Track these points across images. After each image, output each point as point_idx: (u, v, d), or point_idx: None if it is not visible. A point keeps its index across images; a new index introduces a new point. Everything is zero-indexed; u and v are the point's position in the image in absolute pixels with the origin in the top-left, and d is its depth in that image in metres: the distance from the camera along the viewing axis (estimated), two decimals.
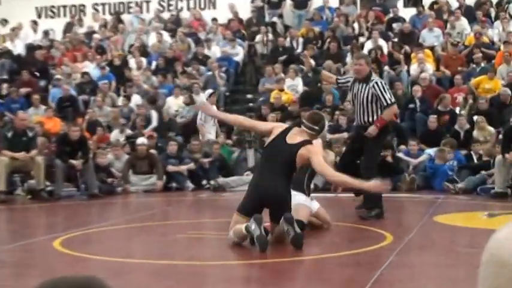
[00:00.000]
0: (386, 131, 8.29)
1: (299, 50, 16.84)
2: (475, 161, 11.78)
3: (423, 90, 13.75)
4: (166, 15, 19.62)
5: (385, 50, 15.72)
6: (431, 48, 15.76)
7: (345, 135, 12.63)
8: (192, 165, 12.38)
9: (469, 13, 16.84)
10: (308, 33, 17.24)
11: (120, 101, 15.45)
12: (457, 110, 13.47)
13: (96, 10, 20.34)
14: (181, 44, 17.51)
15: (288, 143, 6.27)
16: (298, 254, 5.92)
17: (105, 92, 15.56)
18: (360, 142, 8.08)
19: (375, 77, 8.21)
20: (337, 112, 13.61)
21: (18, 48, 18.67)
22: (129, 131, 13.96)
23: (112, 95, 15.75)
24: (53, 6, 20.57)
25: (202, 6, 19.75)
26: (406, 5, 18.36)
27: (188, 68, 16.50)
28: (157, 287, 5.07)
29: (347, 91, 10.24)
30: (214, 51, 17.19)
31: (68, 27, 19.63)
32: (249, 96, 16.56)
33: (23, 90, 15.92)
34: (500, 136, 11.54)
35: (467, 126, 12.53)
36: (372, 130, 7.83)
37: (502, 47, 14.95)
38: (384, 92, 7.86)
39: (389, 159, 11.54)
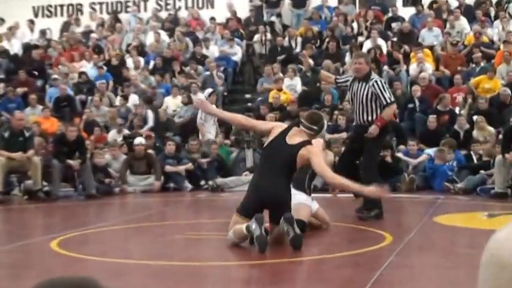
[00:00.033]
0: (385, 130, 8.24)
1: (298, 49, 16.81)
2: (475, 161, 11.75)
3: (422, 90, 13.73)
4: (164, 14, 19.60)
5: (384, 50, 15.71)
6: (431, 48, 15.75)
7: (344, 135, 12.61)
8: (190, 166, 12.34)
9: (469, 12, 16.83)
10: (307, 33, 17.21)
11: (118, 100, 15.42)
12: (457, 109, 13.46)
13: (94, 9, 20.32)
14: (179, 44, 17.48)
15: (288, 144, 6.23)
16: (297, 255, 5.89)
17: (103, 92, 15.54)
18: (359, 142, 8.04)
19: (374, 76, 8.19)
20: (336, 112, 13.61)
21: (15, 47, 18.63)
22: (126, 131, 13.91)
23: (109, 95, 15.73)
24: (50, 6, 20.55)
25: (200, 5, 19.74)
26: (405, 4, 18.36)
27: (186, 67, 16.49)
28: None
29: (346, 91, 10.20)
30: (213, 50, 17.16)
31: (65, 27, 19.62)
32: (248, 96, 16.52)
33: (20, 90, 15.87)
34: (500, 136, 11.50)
35: (467, 126, 12.50)
36: (373, 130, 7.78)
37: (501, 47, 14.94)
38: (383, 91, 7.83)
39: (388, 159, 11.54)
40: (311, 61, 15.74)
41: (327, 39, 16.47)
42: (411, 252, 6.14)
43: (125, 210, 11.09)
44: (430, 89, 13.95)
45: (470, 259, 5.20)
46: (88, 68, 17.00)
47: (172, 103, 14.93)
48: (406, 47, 15.64)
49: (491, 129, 12.33)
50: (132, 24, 19.17)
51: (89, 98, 15.57)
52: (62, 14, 20.43)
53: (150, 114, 14.24)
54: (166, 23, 18.89)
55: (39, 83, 16.78)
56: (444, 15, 17.06)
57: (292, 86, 15.09)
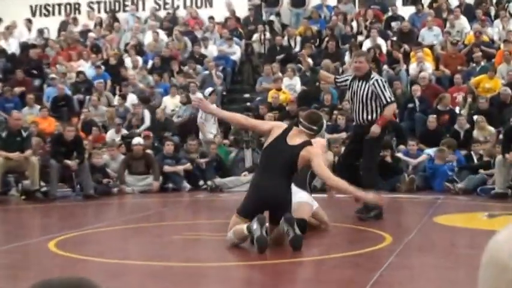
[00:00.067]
0: (385, 130, 8.22)
1: (297, 48, 16.76)
2: (475, 161, 11.72)
3: (422, 89, 13.70)
4: (162, 13, 19.56)
5: (384, 49, 15.70)
6: (431, 47, 15.73)
7: (344, 135, 12.60)
8: (188, 166, 12.32)
9: (469, 11, 16.81)
10: (306, 32, 17.19)
11: (116, 100, 15.40)
12: (457, 109, 13.45)
13: (92, 8, 20.26)
14: (177, 43, 17.46)
15: (289, 144, 6.19)
16: (297, 255, 5.85)
17: (101, 92, 15.50)
18: (359, 142, 8.01)
19: (375, 75, 8.17)
20: (335, 112, 13.58)
21: (12, 47, 18.62)
22: (125, 131, 13.88)
23: (107, 95, 15.71)
24: (48, 5, 20.48)
25: (198, 4, 19.69)
26: (405, 4, 18.33)
27: (185, 67, 16.48)
28: None
29: (345, 90, 10.16)
30: (211, 50, 17.13)
31: (63, 26, 19.59)
32: (246, 95, 16.48)
33: (17, 90, 15.84)
34: (501, 136, 11.46)
35: (467, 126, 12.49)
36: (375, 129, 7.75)
37: (502, 46, 14.92)
38: (384, 90, 7.81)
39: (388, 159, 11.53)
40: (310, 61, 15.67)
41: (326, 39, 16.45)
42: (411, 252, 6.10)
43: (123, 210, 11.06)
44: (430, 89, 13.92)
45: (471, 260, 5.19)
46: (86, 67, 16.97)
47: (170, 103, 14.89)
48: (406, 47, 15.62)
49: (491, 129, 12.31)
50: (130, 23, 19.14)
51: (87, 97, 15.55)
52: (59, 13, 20.36)
53: (147, 114, 14.22)
54: (164, 22, 18.85)
55: (36, 82, 16.77)
56: (444, 15, 17.04)
57: (291, 85, 15.06)
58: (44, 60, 17.61)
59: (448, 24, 16.51)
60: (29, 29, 19.54)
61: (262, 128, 6.65)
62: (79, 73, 16.31)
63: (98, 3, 20.27)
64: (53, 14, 20.42)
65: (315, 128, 6.37)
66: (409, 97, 13.85)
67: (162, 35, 17.99)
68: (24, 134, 11.23)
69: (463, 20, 16.39)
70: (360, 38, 16.62)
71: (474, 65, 14.90)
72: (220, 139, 13.34)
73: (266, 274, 5.54)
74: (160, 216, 9.70)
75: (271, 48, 17.00)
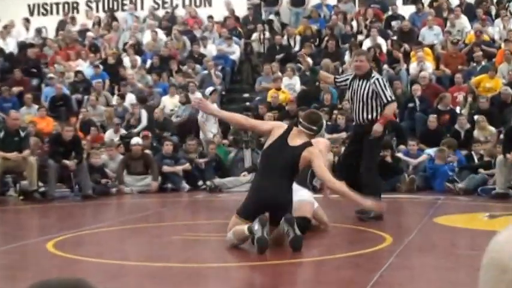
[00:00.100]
0: (385, 130, 8.18)
1: (296, 48, 16.74)
2: (476, 161, 11.69)
3: (423, 89, 13.68)
4: (161, 12, 19.54)
5: (384, 49, 15.69)
6: (431, 47, 15.71)
7: (344, 135, 12.58)
8: (187, 166, 12.28)
9: (469, 11, 16.80)
10: (305, 31, 17.18)
11: (115, 100, 15.40)
12: (458, 109, 13.44)
13: (90, 7, 20.22)
14: (176, 42, 17.44)
15: (290, 145, 6.16)
16: (296, 256, 5.83)
17: (99, 91, 15.51)
18: (359, 142, 7.98)
19: (375, 74, 8.16)
20: (335, 111, 13.56)
21: (10, 46, 18.58)
22: (123, 131, 13.85)
23: (106, 94, 15.71)
24: (46, 4, 20.45)
25: (197, 3, 19.67)
26: (405, 3, 18.31)
27: (184, 66, 16.46)
28: None
29: (345, 90, 10.12)
30: (210, 49, 17.10)
31: (61, 25, 19.56)
32: (246, 95, 16.45)
33: (15, 89, 15.83)
34: (501, 136, 11.43)
35: (468, 125, 12.46)
36: (378, 127, 7.73)
37: (502, 45, 14.90)
38: (384, 89, 7.80)
39: (388, 159, 11.50)
40: (310, 60, 15.60)
41: (326, 38, 16.43)
42: (411, 253, 6.08)
43: (121, 211, 11.02)
44: (430, 88, 13.90)
45: (471, 260, 5.21)
46: (84, 67, 16.95)
47: (169, 102, 14.85)
48: (406, 46, 15.61)
49: (492, 129, 12.29)
50: (129, 22, 19.12)
51: (85, 97, 15.53)
52: (57, 12, 20.33)
53: (144, 114, 14.19)
54: (163, 21, 18.85)
55: (34, 82, 16.75)
56: (445, 14, 17.04)
57: (291, 85, 15.04)
58: (42, 60, 17.58)
59: (448, 24, 16.49)
60: (27, 28, 19.50)
61: (262, 129, 6.61)
62: (77, 73, 16.29)
63: (96, 2, 20.23)
64: (51, 13, 20.37)
65: (314, 128, 6.34)
66: (409, 97, 13.82)
67: (161, 34, 17.97)
68: (22, 134, 11.18)
69: (464, 19, 16.38)
70: (360, 37, 16.60)
71: (475, 64, 14.88)
72: (219, 139, 13.30)
73: (266, 275, 5.51)
74: (159, 217, 9.68)
75: (271, 48, 16.97)
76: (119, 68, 16.37)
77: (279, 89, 14.77)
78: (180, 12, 19.40)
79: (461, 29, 16.27)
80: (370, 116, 7.81)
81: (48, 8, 20.43)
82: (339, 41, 16.52)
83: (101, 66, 16.48)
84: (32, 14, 20.29)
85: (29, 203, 10.74)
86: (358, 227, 7.44)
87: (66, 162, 11.14)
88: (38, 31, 19.21)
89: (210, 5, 19.56)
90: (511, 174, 10.30)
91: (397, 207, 9.59)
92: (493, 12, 17.03)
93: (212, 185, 11.86)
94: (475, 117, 12.60)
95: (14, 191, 11.61)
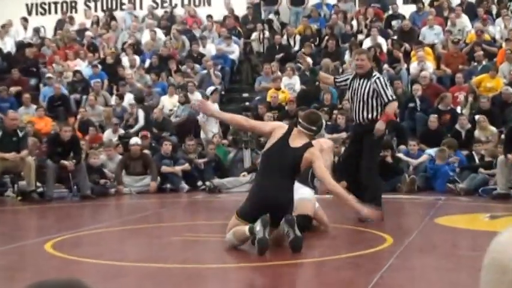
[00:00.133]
0: (385, 130, 8.14)
1: (296, 47, 16.72)
2: (477, 161, 11.65)
3: (423, 89, 13.64)
4: (160, 12, 19.53)
5: (384, 48, 15.67)
6: (432, 46, 15.68)
7: (344, 134, 12.56)
8: (187, 166, 12.25)
9: (470, 10, 16.77)
10: (305, 31, 17.15)
11: (113, 100, 15.38)
12: (458, 109, 13.43)
13: (88, 7, 20.21)
14: (175, 42, 17.43)
15: (292, 147, 6.13)
16: (296, 257, 5.81)
17: (98, 91, 15.50)
18: (359, 142, 7.96)
19: (376, 73, 8.14)
20: (335, 111, 13.53)
21: (8, 45, 18.56)
22: (122, 131, 13.83)
23: (105, 94, 15.70)
24: (44, 3, 20.43)
25: (196, 3, 19.67)
26: (405, 2, 18.31)
27: (183, 66, 16.45)
28: None
29: (346, 90, 10.07)
30: (209, 49, 17.07)
31: (59, 25, 19.56)
32: (245, 95, 16.41)
33: (13, 89, 15.82)
34: (503, 136, 11.38)
35: (469, 125, 12.44)
36: (380, 125, 7.71)
37: (503, 45, 14.86)
38: (386, 89, 7.79)
39: (389, 159, 11.48)
40: (310, 60, 15.56)
41: (326, 38, 16.40)
42: (412, 254, 6.08)
43: (120, 211, 11.00)
44: (431, 88, 13.86)
45: (472, 261, 5.19)
46: (83, 66, 16.94)
47: (168, 102, 14.81)
48: (406, 45, 15.59)
49: (493, 129, 12.26)
50: (128, 22, 19.11)
51: (84, 97, 15.52)
52: (56, 12, 20.32)
53: (141, 114, 14.17)
54: (162, 20, 18.83)
55: (32, 82, 16.75)
56: (445, 13, 17.01)
57: (290, 84, 15.01)
58: (40, 60, 17.58)
59: (449, 23, 16.46)
60: (25, 28, 19.49)
61: (263, 130, 6.58)
62: (76, 72, 16.28)
63: (95, 1, 20.23)
64: (49, 12, 20.36)
65: (314, 128, 6.31)
66: (409, 96, 13.79)
67: (160, 33, 17.95)
68: (20, 134, 11.17)
69: (465, 19, 16.34)
70: (360, 36, 16.57)
71: (476, 64, 14.85)
72: (218, 139, 13.26)
73: (266, 276, 5.50)
74: (158, 217, 9.66)
75: (270, 47, 16.94)
76: (117, 68, 16.34)
77: (278, 88, 14.74)
78: (179, 11, 19.39)
79: (462, 28, 16.23)
80: (370, 116, 7.78)
81: (47, 7, 20.41)
82: (339, 40, 16.49)
83: (100, 66, 16.45)
84: (30, 13, 20.26)
85: (27, 203, 10.71)
86: (359, 227, 7.41)
87: (65, 162, 11.10)
88: (36, 31, 19.20)
89: (209, 4, 19.55)
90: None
91: (397, 207, 9.59)
92: (494, 11, 17.02)
93: (211, 186, 11.82)
94: (476, 117, 12.54)
95: (12, 191, 11.56)
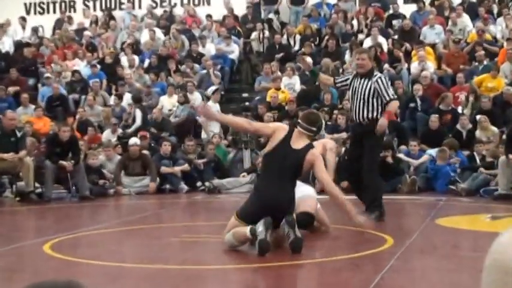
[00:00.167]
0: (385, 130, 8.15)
1: (296, 47, 16.70)
2: (478, 162, 11.62)
3: (424, 88, 13.63)
4: (159, 11, 19.53)
5: (385, 48, 15.65)
6: (433, 46, 15.67)
7: (344, 135, 12.54)
8: (186, 167, 12.22)
9: (471, 9, 16.75)
10: (305, 30, 17.14)
11: (112, 100, 15.37)
12: (459, 109, 13.43)
13: (87, 6, 20.18)
14: (174, 42, 17.41)
15: (293, 148, 6.10)
16: (297, 258, 5.78)
17: (97, 91, 15.51)
18: (359, 143, 7.93)
19: (377, 73, 8.14)
20: (335, 111, 13.49)
21: (6, 45, 18.58)
22: (121, 131, 13.81)
23: (103, 94, 15.70)
24: (42, 2, 20.42)
25: (196, 2, 19.65)
26: (406, 1, 18.28)
27: (182, 66, 16.44)
28: None
29: (346, 90, 10.03)
30: (209, 48, 17.05)
31: (58, 24, 19.54)
32: (245, 95, 16.38)
33: (12, 89, 15.81)
34: (504, 136, 11.33)
35: (470, 126, 12.43)
36: (383, 122, 7.68)
37: (505, 44, 14.84)
38: (387, 88, 7.76)
39: (389, 160, 11.44)
40: (310, 60, 15.50)
41: (326, 37, 16.39)
42: (413, 255, 6.08)
43: (119, 212, 10.99)
44: (432, 88, 13.85)
45: (473, 262, 5.20)
46: (81, 66, 16.94)
47: (167, 102, 14.78)
48: (407, 45, 15.58)
49: (494, 129, 12.24)
50: (127, 21, 19.09)
51: (83, 97, 15.52)
52: (54, 11, 20.31)
53: (139, 114, 14.14)
54: (161, 20, 18.82)
55: (31, 81, 16.75)
56: (446, 13, 16.99)
57: (290, 84, 14.98)
58: (38, 59, 17.58)
59: (450, 23, 16.43)
60: (23, 27, 19.49)
61: (266, 132, 6.53)
62: (74, 72, 16.28)
63: (94, 1, 20.20)
64: (48, 12, 20.34)
65: (313, 128, 6.27)
66: (410, 96, 13.78)
67: (159, 33, 17.94)
68: (19, 134, 11.15)
69: (466, 18, 16.31)
70: (360, 36, 16.54)
71: (477, 63, 14.82)
72: (218, 139, 13.22)
73: (266, 277, 5.48)
74: (157, 218, 9.64)
75: (270, 47, 16.91)
76: (116, 68, 16.33)
77: (278, 88, 14.71)
78: (179, 11, 19.39)
79: (463, 27, 16.20)
80: (370, 115, 7.74)
81: (45, 6, 20.39)
82: (339, 40, 16.48)
83: (98, 66, 16.44)
84: (28, 12, 20.24)
85: (26, 204, 10.70)
86: (359, 228, 7.31)
87: (63, 163, 11.08)
88: (35, 30, 19.20)
89: (208, 3, 19.52)
90: None
91: (398, 208, 9.58)
92: (495, 10, 17.00)
93: (211, 186, 11.80)
94: (477, 117, 12.53)
95: (11, 192, 11.56)
